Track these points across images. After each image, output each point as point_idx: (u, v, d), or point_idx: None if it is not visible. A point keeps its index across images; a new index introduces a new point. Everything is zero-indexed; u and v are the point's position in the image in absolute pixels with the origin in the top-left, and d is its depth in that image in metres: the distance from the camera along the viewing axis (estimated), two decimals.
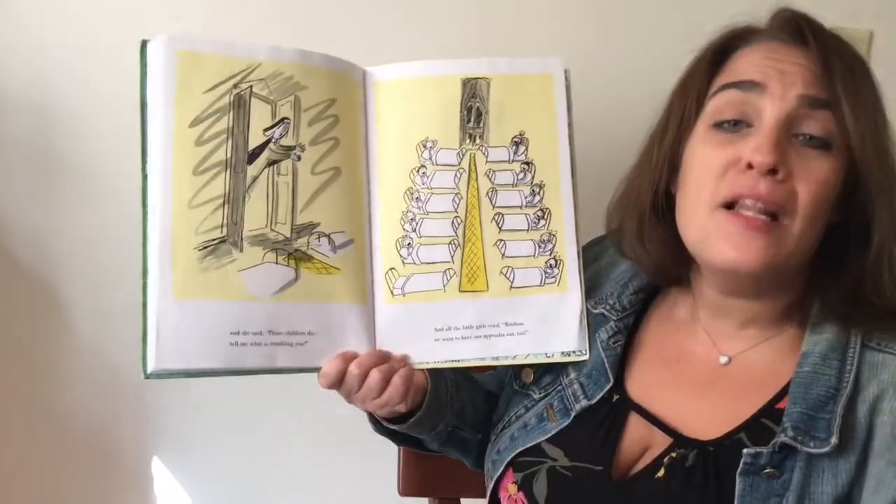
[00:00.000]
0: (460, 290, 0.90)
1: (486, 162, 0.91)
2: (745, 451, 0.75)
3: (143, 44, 0.83)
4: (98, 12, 1.15)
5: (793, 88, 0.77)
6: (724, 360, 0.85)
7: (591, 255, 0.99)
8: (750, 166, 0.76)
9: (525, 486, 0.85)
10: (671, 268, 0.88)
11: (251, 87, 0.84)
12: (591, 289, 0.94)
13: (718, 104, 0.81)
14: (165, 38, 0.82)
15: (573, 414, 0.87)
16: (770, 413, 0.79)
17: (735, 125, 0.79)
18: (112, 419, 1.24)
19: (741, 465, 0.75)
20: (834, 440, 0.73)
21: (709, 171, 0.79)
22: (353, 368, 0.84)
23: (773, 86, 0.78)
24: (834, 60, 0.77)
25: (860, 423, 0.75)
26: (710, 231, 0.79)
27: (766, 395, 0.80)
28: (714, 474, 0.76)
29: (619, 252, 0.94)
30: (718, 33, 0.85)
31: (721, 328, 0.86)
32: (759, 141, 0.76)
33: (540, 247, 0.91)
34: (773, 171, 0.75)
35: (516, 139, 0.92)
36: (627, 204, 0.90)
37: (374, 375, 0.84)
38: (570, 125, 0.93)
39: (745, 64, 0.81)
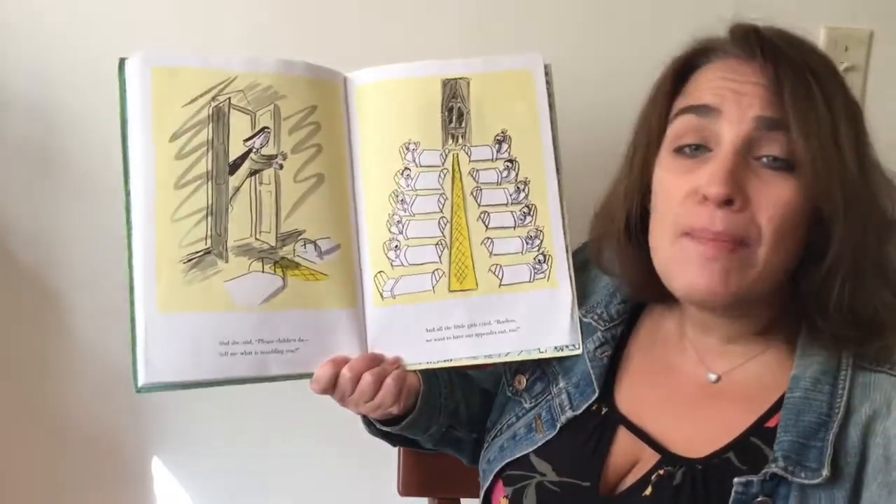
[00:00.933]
0: (450, 290, 0.90)
1: (470, 161, 0.91)
2: (735, 479, 0.74)
3: (122, 62, 0.84)
4: (98, 12, 1.16)
5: (749, 110, 0.74)
6: (712, 377, 0.83)
7: (580, 259, 0.97)
8: (706, 198, 0.74)
9: (515, 499, 0.85)
10: (650, 288, 0.85)
11: (229, 98, 0.85)
12: (582, 296, 0.92)
13: (678, 129, 0.79)
14: (140, 57, 0.83)
15: (559, 425, 0.86)
16: (759, 432, 0.77)
17: (696, 149, 0.77)
18: (112, 419, 1.24)
19: (733, 493, 0.73)
20: (825, 472, 0.71)
21: (671, 200, 0.77)
22: (346, 372, 0.85)
23: (729, 109, 0.75)
24: (785, 76, 0.74)
25: (853, 447, 0.73)
26: (674, 259, 0.77)
27: (754, 414, 0.78)
28: (703, 494, 0.75)
29: (599, 267, 0.92)
30: (679, 51, 0.83)
31: (707, 345, 0.84)
32: (713, 170, 0.74)
33: (527, 243, 0.91)
34: (728, 202, 0.73)
35: (499, 137, 0.92)
36: (606, 221, 0.88)
37: (367, 378, 0.85)
38: (552, 120, 0.93)
39: (703, 86, 0.78)
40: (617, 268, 0.88)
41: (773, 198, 0.73)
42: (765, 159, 0.74)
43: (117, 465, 1.26)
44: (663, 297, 0.83)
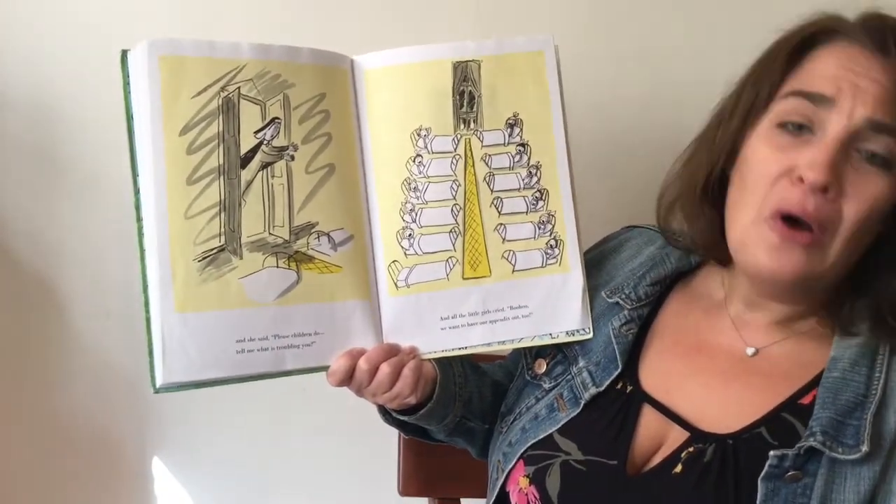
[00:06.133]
0: (464, 278, 0.89)
1: (482, 146, 0.90)
2: (771, 453, 0.74)
3: (124, 54, 0.81)
4: (98, 12, 1.14)
5: (862, 108, 0.75)
6: (751, 351, 0.84)
7: (610, 247, 0.98)
8: (802, 180, 0.75)
9: (537, 479, 0.85)
10: (715, 250, 0.87)
11: (239, 88, 0.82)
12: (608, 280, 0.93)
13: (786, 108, 0.80)
14: (146, 45, 0.80)
15: (583, 402, 0.86)
16: (792, 408, 0.78)
17: (799, 128, 0.78)
18: (112, 419, 1.24)
19: (766, 467, 0.74)
20: (865, 448, 0.73)
21: (764, 176, 0.79)
22: (363, 364, 0.84)
23: (844, 102, 0.76)
24: None
25: (889, 430, 0.75)
26: (751, 237, 0.79)
27: (789, 389, 0.80)
28: (733, 469, 0.76)
29: (664, 227, 0.93)
30: (802, 24, 0.83)
31: (751, 322, 0.86)
32: (815, 156, 0.75)
33: (540, 228, 0.91)
34: (823, 190, 0.75)
35: (510, 121, 0.91)
36: (685, 178, 0.90)
37: (384, 369, 0.85)
38: (562, 103, 0.91)
39: (821, 70, 0.79)
40: (686, 226, 0.90)
41: (866, 192, 0.76)
42: (865, 153, 0.76)
43: (117, 465, 1.25)
44: (725, 259, 0.87)
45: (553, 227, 0.91)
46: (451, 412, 0.93)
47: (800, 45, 0.82)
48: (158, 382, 0.79)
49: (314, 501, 1.31)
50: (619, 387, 0.86)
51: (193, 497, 1.28)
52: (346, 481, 1.31)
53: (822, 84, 0.78)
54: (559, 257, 0.91)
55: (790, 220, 0.77)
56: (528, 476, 0.86)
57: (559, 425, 0.87)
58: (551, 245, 0.91)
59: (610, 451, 0.82)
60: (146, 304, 0.79)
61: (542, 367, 0.93)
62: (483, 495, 0.97)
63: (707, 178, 0.86)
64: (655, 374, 0.87)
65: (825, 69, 0.79)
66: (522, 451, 0.88)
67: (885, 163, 0.76)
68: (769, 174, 0.78)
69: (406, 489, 1.14)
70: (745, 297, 0.86)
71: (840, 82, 0.77)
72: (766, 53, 0.85)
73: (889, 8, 0.81)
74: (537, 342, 0.91)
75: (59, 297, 1.19)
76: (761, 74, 0.84)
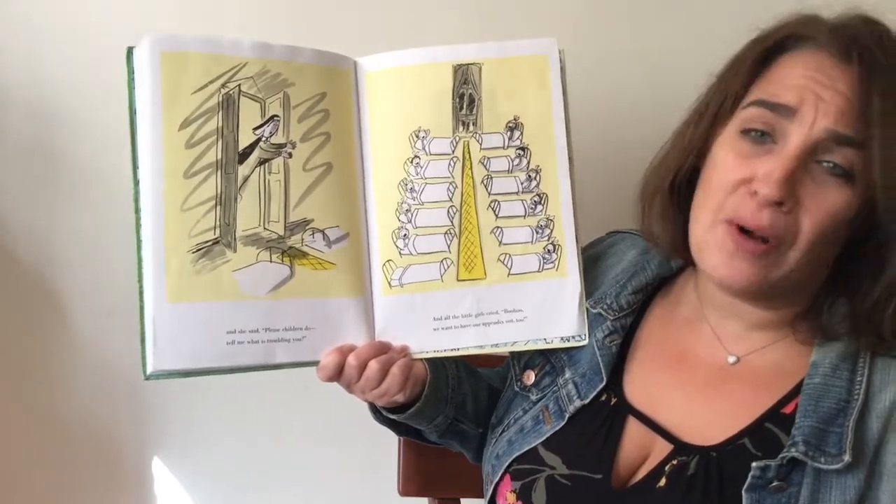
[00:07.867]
0: (458, 280, 0.90)
1: (481, 149, 0.90)
2: (753, 464, 0.74)
3: (129, 50, 0.83)
4: (98, 12, 1.16)
5: (824, 119, 0.74)
6: (732, 359, 0.83)
7: (593, 254, 0.98)
8: (757, 193, 0.75)
9: (523, 494, 0.85)
10: (682, 249, 0.86)
11: (239, 85, 0.84)
12: (592, 289, 0.93)
13: (750, 115, 0.79)
14: (150, 41, 0.82)
15: (567, 415, 0.86)
16: (775, 418, 0.77)
17: (762, 135, 0.77)
18: (112, 419, 1.25)
19: (749, 479, 0.74)
20: (847, 458, 0.72)
21: (723, 182, 0.78)
22: (352, 360, 0.85)
23: (805, 112, 0.75)
24: (876, 91, 0.73)
25: (871, 437, 0.73)
26: (709, 241, 0.79)
27: (772, 399, 0.79)
28: (717, 482, 0.75)
29: (645, 228, 0.91)
30: (772, 28, 0.81)
31: (729, 329, 0.85)
32: (772, 170, 0.74)
33: (538, 232, 0.91)
34: (778, 204, 0.74)
35: (511, 124, 0.91)
36: (658, 175, 0.89)
37: (373, 366, 0.85)
38: (565, 107, 0.92)
39: (786, 80, 0.77)
40: (655, 226, 0.88)
41: (825, 205, 0.74)
42: (825, 164, 0.75)
43: (117, 465, 1.26)
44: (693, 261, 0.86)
45: (552, 231, 0.91)
46: (442, 413, 0.93)
47: (767, 52, 0.80)
48: (149, 369, 0.81)
49: (314, 501, 1.32)
50: (603, 399, 0.86)
51: (193, 497, 1.29)
52: (346, 481, 1.31)
53: (785, 94, 0.76)
54: (557, 262, 0.91)
55: (745, 231, 0.76)
56: (514, 491, 0.86)
57: (543, 438, 0.86)
58: (549, 250, 0.91)
59: (595, 465, 0.82)
60: (140, 293, 0.81)
61: (530, 378, 0.93)
62: (482, 496, 0.96)
63: (674, 178, 0.85)
64: (640, 386, 0.86)
65: (789, 78, 0.77)
66: (508, 463, 0.88)
67: (846, 175, 0.74)
68: (728, 182, 0.78)
69: (406, 489, 1.14)
70: (716, 303, 0.85)
71: (803, 92, 0.75)
72: (736, 56, 0.84)
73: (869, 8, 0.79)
74: (531, 346, 0.91)
75: (59, 297, 1.21)
76: (730, 78, 0.83)
